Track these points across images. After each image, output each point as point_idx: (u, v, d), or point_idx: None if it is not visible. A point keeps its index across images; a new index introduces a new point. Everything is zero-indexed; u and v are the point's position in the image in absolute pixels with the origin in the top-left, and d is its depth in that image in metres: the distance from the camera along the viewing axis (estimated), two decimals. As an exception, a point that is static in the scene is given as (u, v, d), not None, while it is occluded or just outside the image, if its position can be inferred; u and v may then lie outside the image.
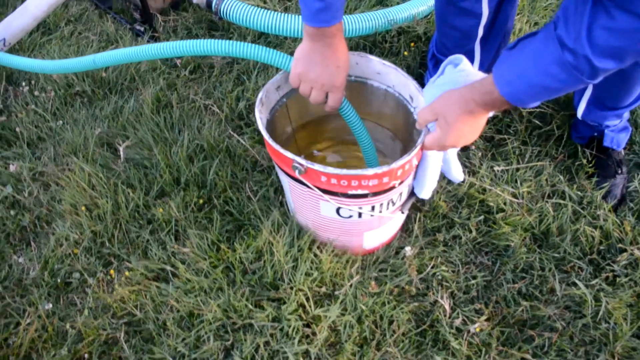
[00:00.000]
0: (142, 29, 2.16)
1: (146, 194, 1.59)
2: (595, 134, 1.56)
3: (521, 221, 1.45)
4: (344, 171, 1.07)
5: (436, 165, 1.20)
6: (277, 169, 1.30)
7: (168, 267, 1.44)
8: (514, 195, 1.50)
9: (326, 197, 1.16)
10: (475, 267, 1.42)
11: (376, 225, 1.30)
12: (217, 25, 2.11)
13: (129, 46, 2.06)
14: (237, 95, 1.81)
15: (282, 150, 1.11)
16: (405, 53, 1.83)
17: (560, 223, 1.44)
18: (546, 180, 1.54)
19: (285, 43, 1.96)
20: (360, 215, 1.23)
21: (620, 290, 1.33)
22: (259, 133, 1.72)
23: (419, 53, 1.84)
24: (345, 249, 1.42)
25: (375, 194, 1.15)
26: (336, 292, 1.35)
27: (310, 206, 1.27)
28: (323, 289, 1.35)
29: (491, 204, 1.48)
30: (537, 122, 1.64)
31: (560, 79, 0.87)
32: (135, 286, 1.43)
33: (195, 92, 1.87)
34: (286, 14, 1.76)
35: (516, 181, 1.53)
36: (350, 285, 1.35)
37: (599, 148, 1.57)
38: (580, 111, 1.51)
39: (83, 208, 1.57)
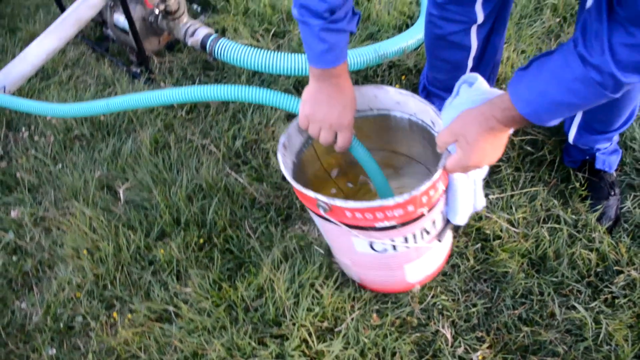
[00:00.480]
0: (138, 70, 2.20)
1: (147, 235, 1.61)
2: (587, 157, 1.58)
3: (518, 247, 1.47)
4: (365, 204, 1.06)
5: (466, 189, 1.18)
6: (309, 212, 1.30)
7: (171, 308, 1.45)
8: (510, 222, 1.52)
9: (355, 232, 1.16)
10: (475, 295, 1.43)
11: (415, 256, 1.29)
12: (211, 65, 2.15)
13: (125, 89, 2.11)
14: (234, 134, 1.85)
15: (305, 191, 1.10)
16: (397, 86, 1.87)
17: (557, 247, 1.46)
18: (541, 205, 1.55)
19: (278, 80, 2.00)
20: (394, 247, 1.22)
21: (619, 312, 1.34)
22: (257, 170, 1.75)
23: (410, 86, 1.88)
24: (389, 284, 1.41)
25: (404, 224, 1.13)
26: (338, 327, 1.36)
27: (345, 244, 1.26)
28: (325, 324, 1.36)
29: (487, 231, 1.50)
30: (529, 148, 1.67)
31: (583, 95, 0.87)
32: (139, 328, 1.44)
33: (192, 132, 1.91)
34: (278, 52, 1.81)
35: (511, 207, 1.55)
36: (352, 319, 1.36)
37: (591, 171, 1.59)
38: (571, 136, 1.53)
39: (85, 251, 1.58)
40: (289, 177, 1.15)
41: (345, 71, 1.14)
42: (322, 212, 1.12)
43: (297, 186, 1.12)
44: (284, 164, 1.19)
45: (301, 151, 1.32)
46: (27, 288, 1.63)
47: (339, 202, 1.07)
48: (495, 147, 1.02)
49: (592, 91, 0.86)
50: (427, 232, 1.22)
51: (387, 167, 1.49)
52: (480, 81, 1.10)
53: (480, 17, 1.38)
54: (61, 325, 1.51)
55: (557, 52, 0.90)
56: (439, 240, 1.29)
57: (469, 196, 1.20)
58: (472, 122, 1.00)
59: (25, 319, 1.56)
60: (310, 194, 1.09)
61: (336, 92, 1.14)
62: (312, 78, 1.14)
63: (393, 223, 1.12)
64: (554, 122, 0.96)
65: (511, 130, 1.04)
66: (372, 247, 1.22)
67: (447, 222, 1.27)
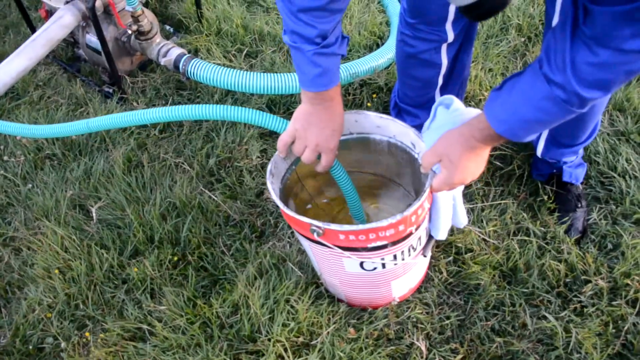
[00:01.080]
0: (111, 90, 2.20)
1: (120, 254, 1.59)
2: (554, 170, 1.63)
3: (489, 259, 1.50)
4: (360, 226, 1.09)
5: (447, 206, 1.22)
6: (297, 235, 1.32)
7: (145, 326, 1.44)
8: (481, 235, 1.55)
9: (347, 253, 1.18)
10: (448, 308, 1.45)
11: (401, 272, 1.31)
12: (184, 85, 2.16)
13: (97, 108, 2.10)
14: (207, 152, 1.85)
15: (298, 217, 1.12)
16: (369, 104, 1.90)
17: (527, 259, 1.49)
18: (510, 218, 1.59)
19: (251, 100, 2.01)
20: (384, 265, 1.24)
21: (588, 320, 1.37)
22: (230, 188, 1.75)
23: (381, 103, 1.92)
24: (376, 301, 1.43)
25: (394, 242, 1.16)
26: (314, 341, 1.36)
27: (334, 265, 1.28)
28: (301, 339, 1.36)
29: (460, 244, 1.53)
30: (498, 163, 1.71)
31: (551, 112, 0.92)
32: (112, 347, 1.42)
33: (166, 150, 1.91)
34: (250, 72, 1.83)
35: (482, 221, 1.58)
36: (328, 333, 1.36)
37: (558, 184, 1.64)
38: (539, 150, 1.58)
39: (56, 271, 1.56)
40: (281, 206, 1.16)
41: (338, 94, 1.16)
42: (315, 236, 1.13)
43: (289, 212, 1.14)
44: (273, 190, 1.20)
45: (285, 177, 1.34)
46: (-4, 310, 1.60)
47: (333, 226, 1.09)
48: (477, 164, 1.07)
49: (560, 108, 0.91)
50: (414, 249, 1.26)
51: (364, 187, 1.52)
52: (457, 102, 1.15)
53: (450, 36, 1.42)
54: (30, 347, 1.48)
55: (525, 73, 0.95)
56: (424, 256, 1.32)
57: (450, 212, 1.24)
58: (454, 142, 1.05)
59: (-7, 342, 1.53)
60: (305, 219, 1.11)
61: (328, 116, 1.16)
62: (306, 101, 1.15)
63: (384, 242, 1.15)
64: (530, 138, 1.00)
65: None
66: (362, 267, 1.24)
67: (430, 237, 1.30)
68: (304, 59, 1.09)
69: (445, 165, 1.07)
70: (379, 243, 1.14)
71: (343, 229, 1.10)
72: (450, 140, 1.06)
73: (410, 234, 1.17)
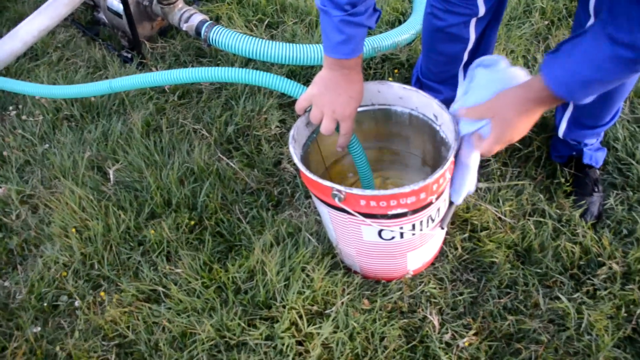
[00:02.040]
0: (129, 55, 2.19)
1: (137, 215, 1.60)
2: (574, 152, 1.62)
3: (504, 238, 1.50)
4: (382, 192, 1.09)
5: (474, 169, 1.23)
6: (316, 202, 1.32)
7: (160, 288, 1.45)
8: (497, 214, 1.55)
9: (368, 220, 1.18)
10: (461, 284, 1.45)
11: (418, 244, 1.32)
12: (204, 52, 2.15)
13: (116, 72, 2.09)
14: (226, 120, 1.85)
15: (320, 180, 1.13)
16: (390, 79, 1.89)
17: (542, 240, 1.49)
18: (527, 199, 1.59)
19: (272, 69, 2.01)
20: (402, 235, 1.25)
21: (600, 303, 1.37)
22: (248, 156, 1.75)
23: (403, 79, 1.91)
24: (390, 273, 1.43)
25: (414, 211, 1.17)
26: (328, 310, 1.37)
27: (352, 233, 1.28)
28: (315, 307, 1.38)
29: (475, 222, 1.53)
30: (517, 144, 1.71)
31: (614, 72, 0.94)
32: (127, 307, 1.43)
33: (184, 116, 1.91)
34: (272, 42, 1.82)
35: (498, 200, 1.58)
36: (342, 303, 1.38)
37: (577, 166, 1.63)
38: (561, 130, 1.57)
39: (73, 230, 1.57)
40: (303, 169, 1.17)
41: (359, 65, 1.17)
42: (336, 202, 1.14)
43: (311, 175, 1.15)
44: (295, 155, 1.21)
45: (306, 144, 1.35)
46: (11, 266, 1.61)
47: (355, 191, 1.10)
48: (527, 124, 1.10)
49: (623, 68, 0.93)
50: (432, 220, 1.26)
51: (383, 160, 1.52)
52: (504, 61, 1.15)
53: (481, 10, 1.41)
54: (45, 304, 1.49)
55: (587, 34, 0.95)
56: (442, 228, 1.33)
57: (475, 176, 1.25)
58: (510, 103, 1.08)
59: (8, 297, 1.54)
60: (327, 183, 1.12)
61: (345, 83, 1.17)
62: (326, 66, 1.17)
63: (405, 210, 1.15)
64: (587, 100, 1.02)
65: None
66: (380, 235, 1.24)
67: (450, 204, 1.31)
68: (330, 24, 1.10)
69: (497, 123, 1.10)
70: (399, 210, 1.15)
71: (365, 194, 1.10)
72: (506, 100, 1.09)
73: (430, 203, 1.18)
